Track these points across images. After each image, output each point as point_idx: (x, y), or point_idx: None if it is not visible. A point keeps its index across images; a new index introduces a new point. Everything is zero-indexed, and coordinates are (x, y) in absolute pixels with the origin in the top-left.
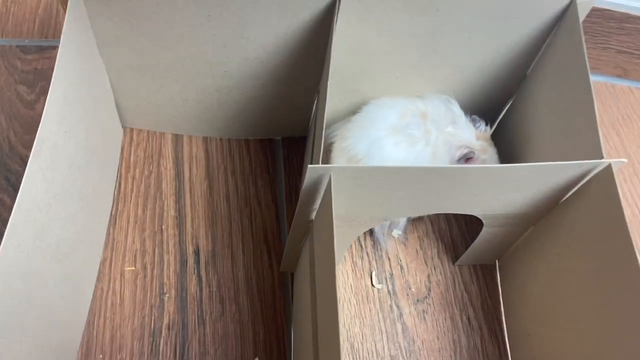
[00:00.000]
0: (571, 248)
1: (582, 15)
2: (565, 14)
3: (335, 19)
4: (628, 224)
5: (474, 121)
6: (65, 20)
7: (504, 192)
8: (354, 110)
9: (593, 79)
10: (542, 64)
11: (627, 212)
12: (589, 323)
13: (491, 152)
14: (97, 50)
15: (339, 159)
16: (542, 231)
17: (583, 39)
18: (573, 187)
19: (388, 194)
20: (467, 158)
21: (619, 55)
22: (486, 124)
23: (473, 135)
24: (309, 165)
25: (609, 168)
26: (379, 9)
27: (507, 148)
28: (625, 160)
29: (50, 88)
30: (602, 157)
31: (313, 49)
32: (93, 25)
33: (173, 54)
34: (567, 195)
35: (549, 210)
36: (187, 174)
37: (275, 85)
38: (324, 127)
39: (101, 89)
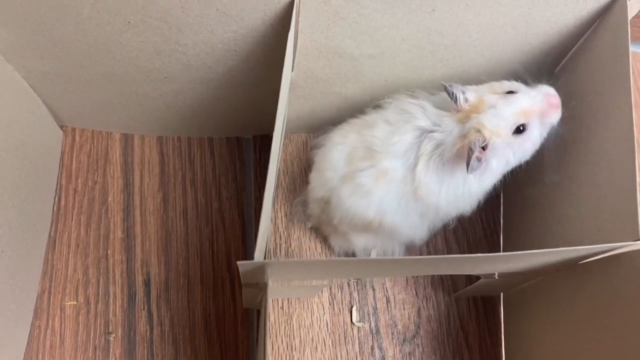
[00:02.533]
0: (589, 316)
1: (632, 12)
2: (611, 9)
3: (294, 23)
4: None
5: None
6: None
7: (502, 266)
8: (338, 113)
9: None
10: (575, 63)
11: None
12: None
13: (490, 117)
14: (1, 57)
15: (311, 199)
16: (556, 284)
17: (629, 42)
18: (597, 255)
19: (348, 272)
20: (480, 149)
21: None
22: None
23: (453, 123)
24: (238, 262)
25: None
26: (353, 10)
27: None
28: None
29: None
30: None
31: (273, 52)
32: None
33: (94, 61)
34: (590, 260)
35: (566, 268)
36: (137, 184)
37: (232, 88)
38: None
39: (19, 96)
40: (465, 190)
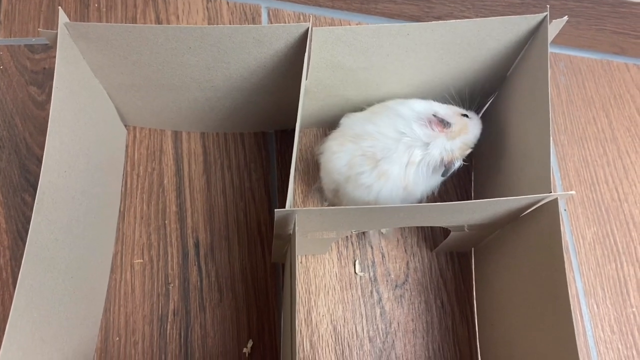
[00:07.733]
0: (524, 256)
1: (552, 32)
2: (538, 30)
3: (308, 45)
4: (568, 248)
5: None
6: (57, 58)
7: (463, 215)
8: (341, 111)
9: (589, 56)
10: (519, 70)
11: (606, 197)
12: (525, 323)
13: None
14: (92, 73)
15: (324, 189)
16: (507, 234)
17: (548, 52)
18: (528, 209)
19: (352, 222)
20: (448, 164)
21: (614, 35)
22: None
23: (444, 140)
24: (275, 210)
25: (555, 201)
26: (349, 36)
27: (491, 135)
28: (573, 192)
29: (47, 132)
30: (549, 190)
31: (292, 66)
32: (85, 57)
33: (161, 75)
34: (526, 212)
35: (511, 221)
36: (186, 170)
37: (260, 94)
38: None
39: (99, 101)
40: (431, 185)
